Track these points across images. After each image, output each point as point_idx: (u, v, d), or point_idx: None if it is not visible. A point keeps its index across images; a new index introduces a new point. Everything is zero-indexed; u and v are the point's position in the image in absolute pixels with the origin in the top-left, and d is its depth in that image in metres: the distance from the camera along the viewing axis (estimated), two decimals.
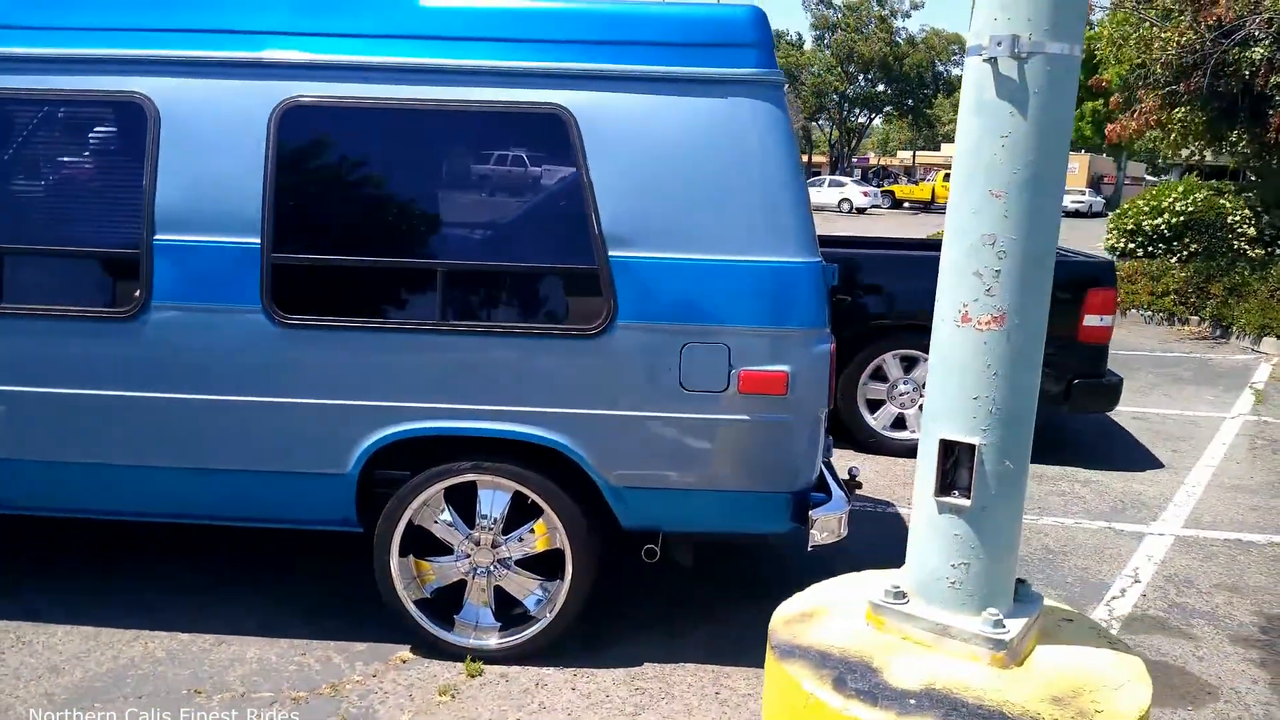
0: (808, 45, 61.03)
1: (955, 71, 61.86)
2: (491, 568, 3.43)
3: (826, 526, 3.32)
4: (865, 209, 41.43)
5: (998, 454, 2.00)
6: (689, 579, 4.06)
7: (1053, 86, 1.88)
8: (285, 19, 3.26)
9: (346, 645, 3.53)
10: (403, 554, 3.42)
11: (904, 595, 2.14)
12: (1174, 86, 11.30)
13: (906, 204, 47.50)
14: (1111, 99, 13.72)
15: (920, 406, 6.22)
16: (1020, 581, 2.19)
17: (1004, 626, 2.01)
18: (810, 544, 3.32)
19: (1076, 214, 43.63)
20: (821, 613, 2.26)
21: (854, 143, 64.53)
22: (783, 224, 3.21)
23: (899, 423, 6.27)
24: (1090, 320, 5.94)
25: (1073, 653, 2.10)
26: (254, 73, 3.23)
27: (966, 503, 2.02)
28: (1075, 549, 4.80)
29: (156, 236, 3.22)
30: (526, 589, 3.48)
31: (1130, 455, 6.49)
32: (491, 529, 3.39)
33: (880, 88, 59.52)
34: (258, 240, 3.20)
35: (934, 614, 2.08)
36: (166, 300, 3.24)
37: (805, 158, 64.14)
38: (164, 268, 3.23)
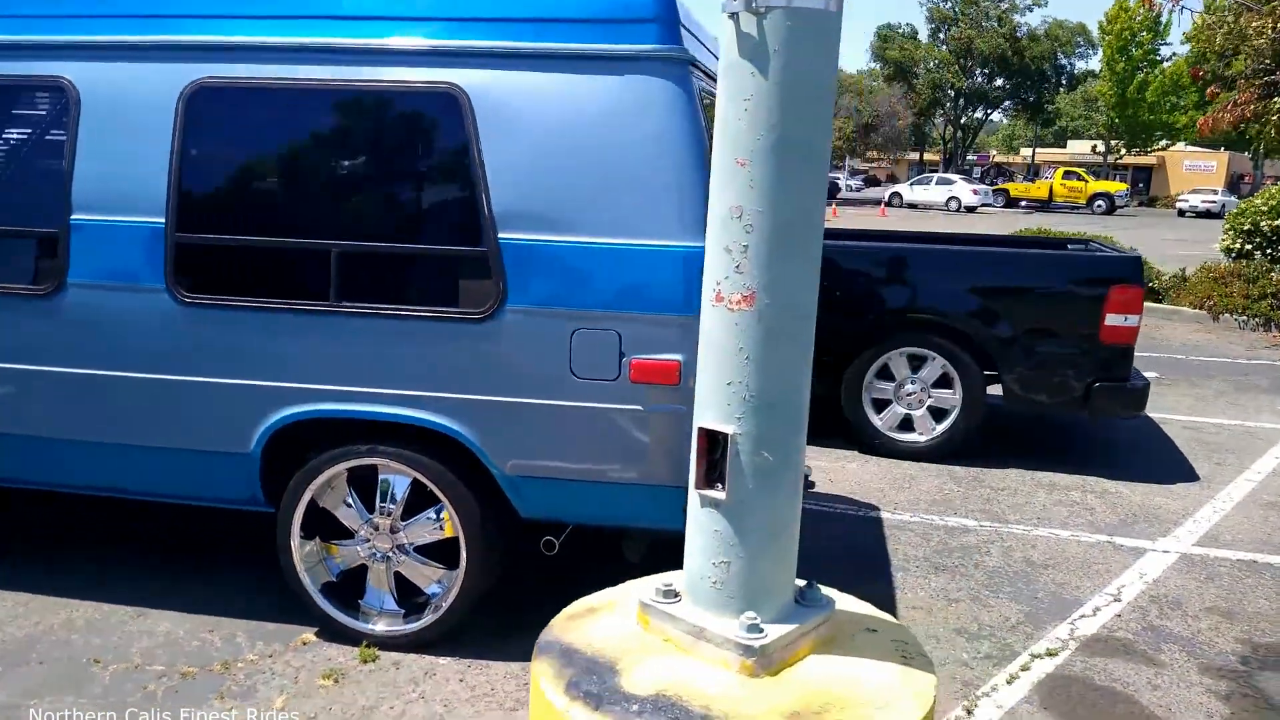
0: (923, 38, 59.29)
1: (1080, 65, 59.16)
2: (390, 553, 3.41)
3: None
4: (975, 208, 39.99)
5: (754, 444, 1.85)
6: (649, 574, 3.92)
7: (797, 43, 1.71)
8: (195, 2, 3.30)
9: (257, 625, 3.56)
10: (308, 535, 3.43)
11: (676, 594, 2.01)
12: (1272, 77, 10.47)
13: (1023, 202, 45.44)
14: (1208, 89, 12.84)
15: (929, 408, 5.94)
16: (808, 585, 2.02)
17: (761, 631, 1.86)
18: None
19: (1208, 214, 41.10)
20: (606, 608, 2.14)
21: (969, 140, 62.36)
22: (682, 208, 3.07)
23: (906, 424, 5.97)
24: (1112, 320, 5.53)
25: (849, 664, 1.92)
26: (164, 55, 3.28)
27: (723, 496, 1.88)
28: (1060, 563, 4.47)
29: (74, 216, 3.31)
30: (428, 577, 3.43)
31: (1163, 466, 6.03)
32: (390, 514, 3.37)
33: (998, 82, 57.32)
34: (163, 220, 3.25)
35: (696, 615, 1.94)
36: (81, 279, 3.32)
37: (917, 155, 62.33)
38: (80, 247, 3.31)
